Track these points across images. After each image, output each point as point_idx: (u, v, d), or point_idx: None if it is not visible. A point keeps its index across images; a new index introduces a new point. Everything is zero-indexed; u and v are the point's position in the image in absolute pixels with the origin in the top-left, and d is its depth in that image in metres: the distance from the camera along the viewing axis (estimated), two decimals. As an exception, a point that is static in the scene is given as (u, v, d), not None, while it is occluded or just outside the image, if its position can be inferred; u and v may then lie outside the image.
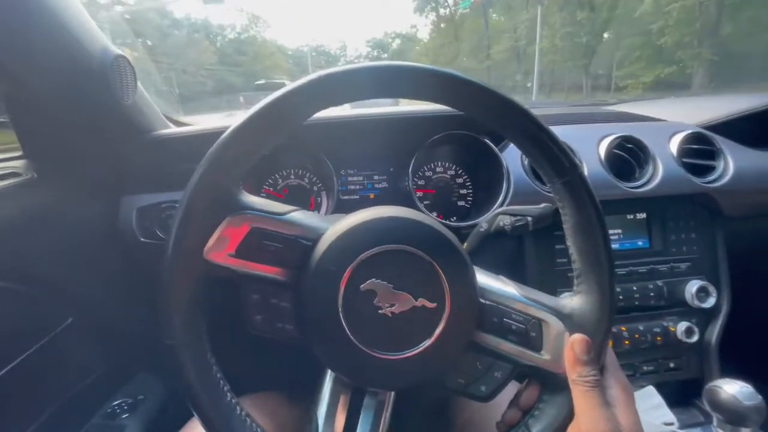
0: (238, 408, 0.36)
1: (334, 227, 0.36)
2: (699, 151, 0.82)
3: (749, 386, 0.56)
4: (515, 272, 0.77)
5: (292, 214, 0.37)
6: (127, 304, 0.76)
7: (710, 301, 0.78)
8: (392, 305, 0.34)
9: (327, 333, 0.34)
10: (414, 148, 0.74)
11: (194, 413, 0.34)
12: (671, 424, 0.68)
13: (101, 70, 0.56)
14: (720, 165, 0.82)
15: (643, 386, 0.74)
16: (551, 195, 0.38)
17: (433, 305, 0.34)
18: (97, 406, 0.73)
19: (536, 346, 0.37)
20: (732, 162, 0.81)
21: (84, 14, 0.57)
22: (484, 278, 0.39)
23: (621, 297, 0.78)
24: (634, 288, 0.79)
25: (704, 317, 0.81)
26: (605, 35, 16.18)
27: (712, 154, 0.83)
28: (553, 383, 0.37)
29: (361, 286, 0.34)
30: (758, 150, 0.84)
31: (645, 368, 0.80)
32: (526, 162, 0.77)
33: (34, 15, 0.49)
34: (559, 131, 0.40)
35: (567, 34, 16.37)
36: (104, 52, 0.57)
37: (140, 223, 0.69)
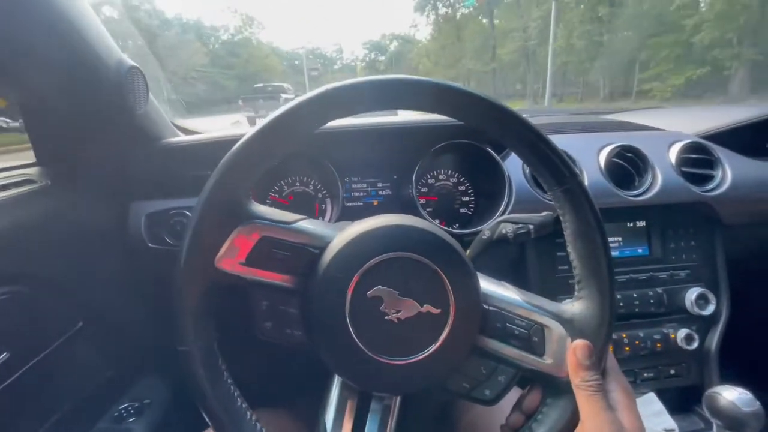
0: (248, 413, 0.36)
1: (340, 235, 0.37)
2: (697, 160, 0.84)
3: (748, 393, 0.57)
4: (517, 279, 0.78)
5: (300, 222, 0.38)
6: (135, 308, 0.77)
7: (710, 309, 0.79)
8: (398, 311, 0.35)
9: (334, 339, 0.35)
10: (417, 156, 0.76)
11: (206, 418, 0.35)
12: (672, 430, 0.68)
13: (117, 81, 0.58)
14: (718, 174, 0.83)
15: (643, 393, 0.75)
16: (552, 203, 0.39)
17: (438, 311, 0.35)
18: (104, 410, 0.74)
19: (539, 350, 0.37)
20: (730, 171, 0.82)
21: (100, 26, 0.59)
22: (487, 284, 0.40)
23: (621, 304, 0.79)
24: (634, 295, 0.79)
25: (704, 324, 0.82)
26: (627, 33, 14.30)
27: (711, 163, 0.84)
28: (555, 387, 0.38)
29: (368, 292, 0.35)
30: (756, 159, 0.85)
31: (645, 375, 0.80)
32: (527, 170, 0.78)
33: (54, 28, 0.51)
34: (559, 140, 0.41)
35: (585, 33, 14.83)
36: (119, 63, 0.59)
37: (149, 228, 0.71)
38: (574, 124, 0.93)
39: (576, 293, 0.39)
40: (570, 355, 0.36)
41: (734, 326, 0.81)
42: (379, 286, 0.35)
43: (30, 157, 0.67)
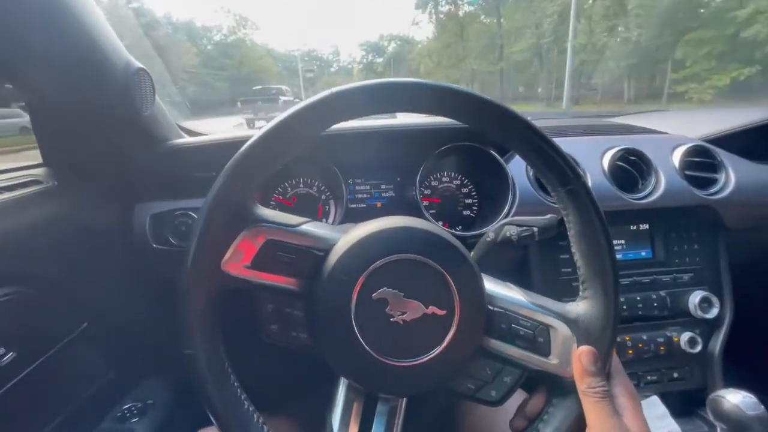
0: (255, 416, 0.36)
1: (345, 237, 0.37)
2: (701, 163, 0.84)
3: (752, 396, 0.56)
4: (520, 281, 0.78)
5: (304, 225, 0.39)
6: (139, 309, 0.77)
7: (713, 312, 0.79)
8: (403, 313, 0.35)
9: (340, 341, 0.35)
10: (421, 158, 0.76)
11: (213, 421, 0.35)
12: (675, 434, 0.68)
13: (124, 83, 0.59)
14: (722, 178, 0.83)
15: (647, 396, 0.75)
16: (556, 206, 0.40)
17: (443, 312, 0.35)
18: (108, 410, 0.74)
19: (544, 351, 0.37)
20: (733, 175, 0.82)
21: (108, 28, 0.59)
22: (491, 285, 0.40)
23: (624, 307, 0.79)
24: (638, 298, 0.79)
25: (707, 327, 0.82)
26: (658, 29, 12.46)
27: (714, 166, 0.84)
28: (561, 387, 0.38)
29: (373, 294, 0.35)
30: (760, 163, 0.85)
31: (648, 378, 0.80)
32: (531, 173, 0.79)
33: (63, 30, 0.51)
34: (562, 143, 0.41)
35: (610, 28, 13.18)
36: (127, 65, 0.59)
37: (153, 229, 0.71)
38: (577, 127, 0.93)
39: (580, 293, 0.39)
40: (575, 362, 0.36)
41: (738, 329, 0.81)
42: (385, 288, 0.35)
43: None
